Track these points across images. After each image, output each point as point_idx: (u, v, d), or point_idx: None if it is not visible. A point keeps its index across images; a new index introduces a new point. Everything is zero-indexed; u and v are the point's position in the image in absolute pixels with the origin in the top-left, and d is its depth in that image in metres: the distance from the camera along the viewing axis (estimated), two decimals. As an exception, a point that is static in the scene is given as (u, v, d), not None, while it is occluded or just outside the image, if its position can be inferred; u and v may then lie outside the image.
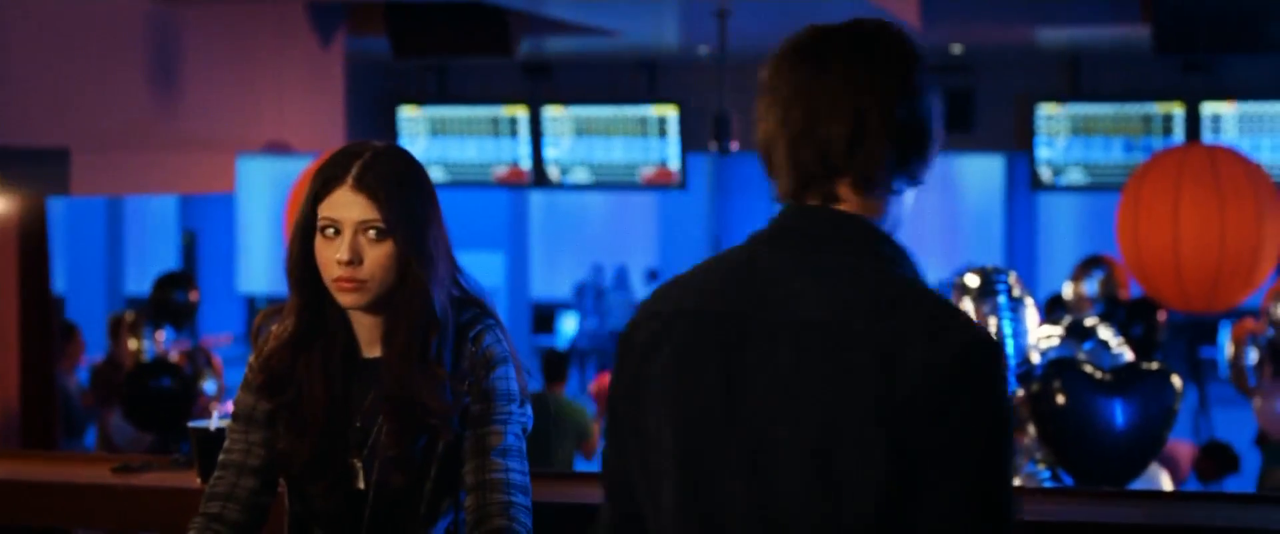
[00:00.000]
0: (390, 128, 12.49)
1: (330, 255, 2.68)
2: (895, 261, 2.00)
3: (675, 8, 10.04)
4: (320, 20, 8.85)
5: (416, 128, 12.59)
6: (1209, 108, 11.65)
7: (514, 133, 12.46)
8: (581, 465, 9.20)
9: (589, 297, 20.72)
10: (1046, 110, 12.03)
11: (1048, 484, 4.88)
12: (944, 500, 1.89)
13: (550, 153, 12.43)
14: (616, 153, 12.40)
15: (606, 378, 9.84)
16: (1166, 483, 5.55)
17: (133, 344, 8.05)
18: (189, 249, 23.21)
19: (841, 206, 2.01)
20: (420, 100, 12.71)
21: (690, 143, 12.35)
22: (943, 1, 9.80)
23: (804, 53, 2.03)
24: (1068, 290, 8.24)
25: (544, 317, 22.14)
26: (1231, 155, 7.66)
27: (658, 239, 21.88)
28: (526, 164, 12.49)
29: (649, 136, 12.35)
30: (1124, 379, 4.93)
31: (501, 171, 12.54)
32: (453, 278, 2.77)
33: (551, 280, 22.51)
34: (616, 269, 21.01)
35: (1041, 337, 5.07)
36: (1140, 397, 4.90)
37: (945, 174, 20.82)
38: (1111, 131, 11.96)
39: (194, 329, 9.79)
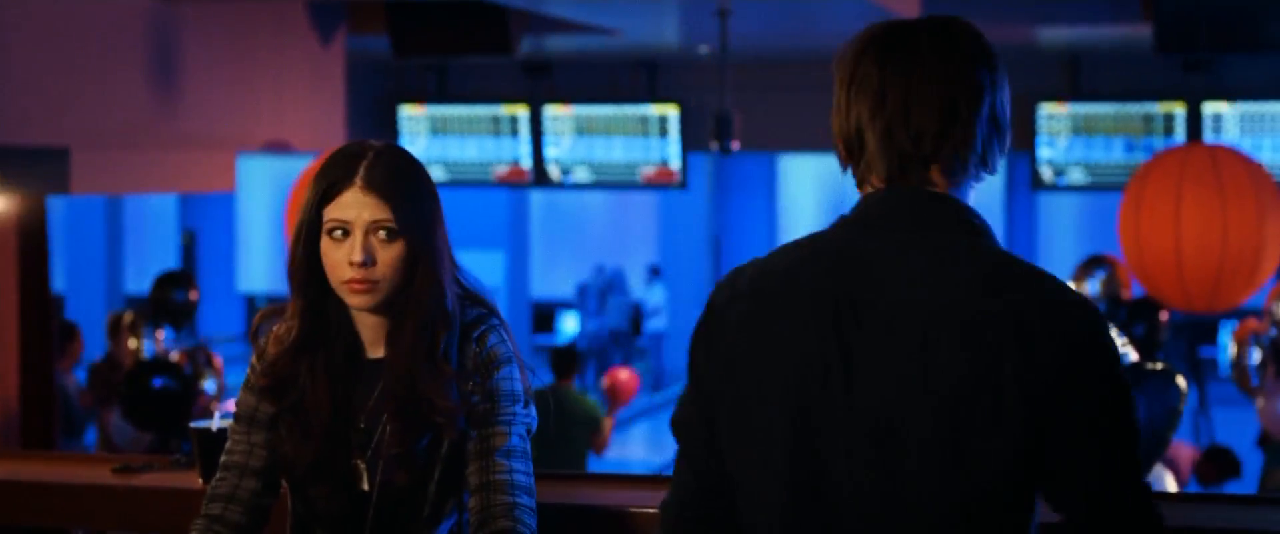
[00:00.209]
0: (390, 127, 12.47)
1: (340, 257, 2.66)
2: (990, 239, 2.10)
3: (676, 7, 10.02)
4: (320, 19, 8.83)
5: (417, 127, 12.56)
6: (1210, 107, 11.63)
7: (514, 132, 12.44)
8: (591, 465, 9.21)
9: (592, 298, 20.71)
10: (1047, 110, 12.01)
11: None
12: (1093, 465, 2.00)
13: (551, 152, 12.41)
14: (617, 152, 12.38)
15: (619, 372, 9.84)
16: (1171, 484, 5.53)
17: (132, 344, 8.03)
18: (188, 248, 23.20)
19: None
20: (420, 99, 12.69)
21: (690, 142, 12.34)
22: (943, 1, 9.79)
23: (892, 44, 2.14)
24: (1070, 290, 8.20)
25: (544, 316, 22.13)
26: (1233, 155, 7.64)
27: (658, 238, 21.86)
28: (527, 163, 12.47)
29: (649, 136, 12.33)
30: (1128, 379, 4.91)
31: (502, 171, 12.52)
32: (453, 276, 2.76)
33: (551, 280, 22.50)
34: (613, 270, 20.99)
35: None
36: (1144, 397, 4.89)
37: (945, 174, 20.77)
38: (1112, 131, 11.94)
39: (193, 328, 9.77)
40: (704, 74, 12.29)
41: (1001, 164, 2.20)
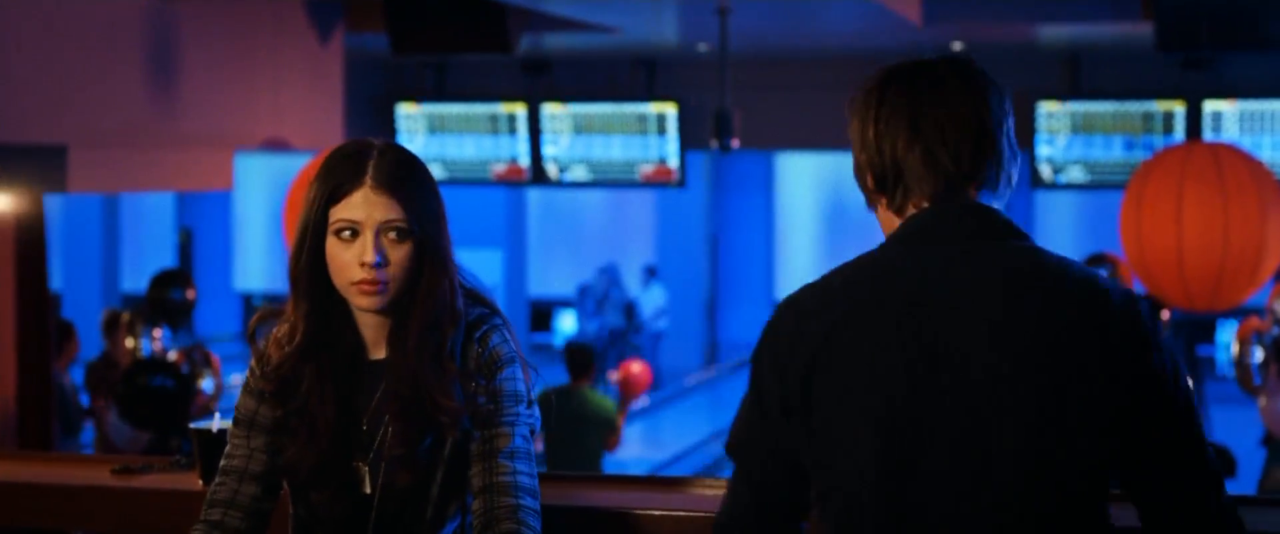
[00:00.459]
0: (388, 125, 12.44)
1: (349, 258, 2.63)
2: (1033, 242, 2.28)
3: (675, 5, 10.00)
4: (319, 17, 8.81)
5: (414, 125, 12.54)
6: (1210, 106, 11.61)
7: (512, 130, 12.41)
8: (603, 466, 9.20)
9: (591, 300, 20.69)
10: (1046, 108, 11.99)
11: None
12: (1172, 441, 2.19)
13: (549, 150, 12.38)
14: (615, 150, 12.36)
15: (631, 365, 9.83)
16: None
17: (129, 343, 8.00)
18: (185, 246, 23.17)
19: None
20: (418, 97, 12.66)
21: (689, 140, 12.32)
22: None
23: (916, 74, 2.31)
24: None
25: (541, 314, 22.12)
26: (1235, 153, 7.62)
27: (655, 236, 21.84)
28: (525, 161, 12.44)
29: (648, 134, 12.30)
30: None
31: (500, 169, 12.50)
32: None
33: (549, 278, 22.49)
34: (610, 268, 20.98)
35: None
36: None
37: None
38: (1112, 129, 11.91)
39: (190, 327, 9.75)
40: (702, 72, 12.27)
41: None
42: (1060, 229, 20.03)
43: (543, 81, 12.81)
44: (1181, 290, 7.41)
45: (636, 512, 3.05)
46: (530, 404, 2.77)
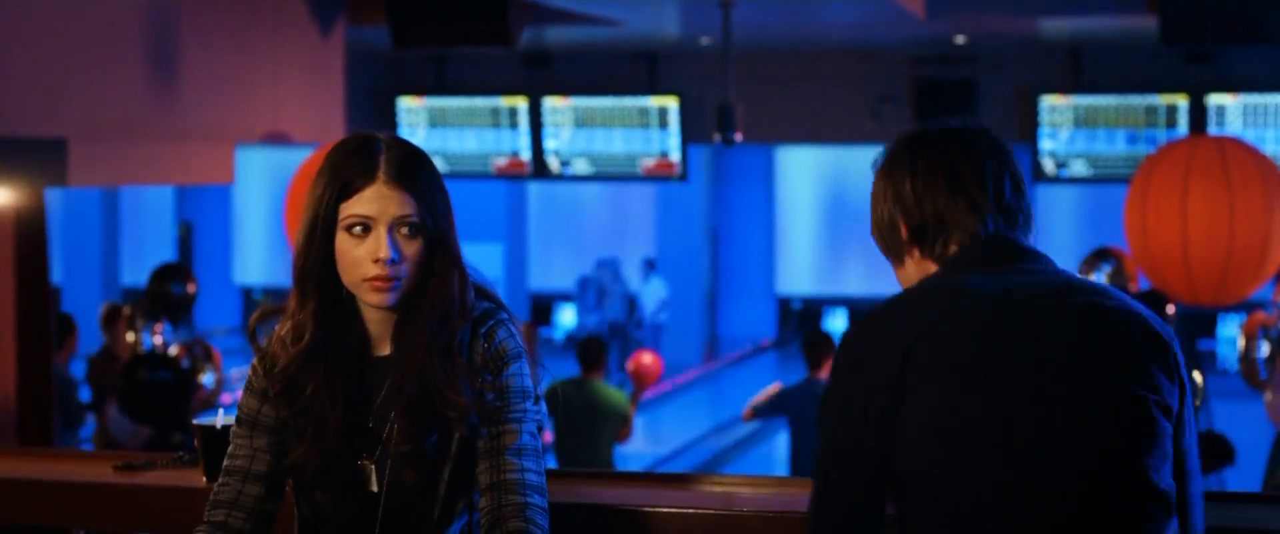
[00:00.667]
0: (389, 119, 12.41)
1: (362, 254, 2.59)
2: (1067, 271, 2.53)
3: (677, -2, 9.99)
4: (320, 10, 8.77)
5: (416, 119, 12.51)
6: (1213, 99, 11.59)
7: (514, 124, 12.40)
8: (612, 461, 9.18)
9: (592, 292, 20.66)
10: (1049, 102, 11.97)
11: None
12: (1186, 433, 2.44)
13: (550, 144, 12.36)
14: (617, 143, 12.34)
15: (643, 356, 9.84)
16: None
17: (130, 337, 7.97)
18: (185, 240, 23.15)
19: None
20: (419, 91, 12.64)
21: (690, 134, 12.29)
22: (947, -7, 9.76)
23: (944, 136, 2.54)
24: (1075, 283, 8.15)
25: (542, 307, 22.10)
26: (1240, 147, 7.59)
27: (655, 230, 21.81)
28: (526, 155, 12.43)
29: (649, 128, 12.29)
30: None
31: (501, 163, 12.48)
32: None
33: (549, 271, 22.47)
34: (610, 261, 20.95)
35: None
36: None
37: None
38: (1115, 123, 11.90)
39: (190, 322, 9.72)
40: (704, 66, 12.24)
41: None
42: (1061, 223, 20.00)
43: (544, 75, 12.78)
44: (1186, 284, 7.39)
45: (645, 509, 3.02)
46: (537, 400, 2.73)
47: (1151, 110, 11.77)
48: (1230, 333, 18.71)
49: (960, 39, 12.19)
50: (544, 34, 11.71)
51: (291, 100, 8.55)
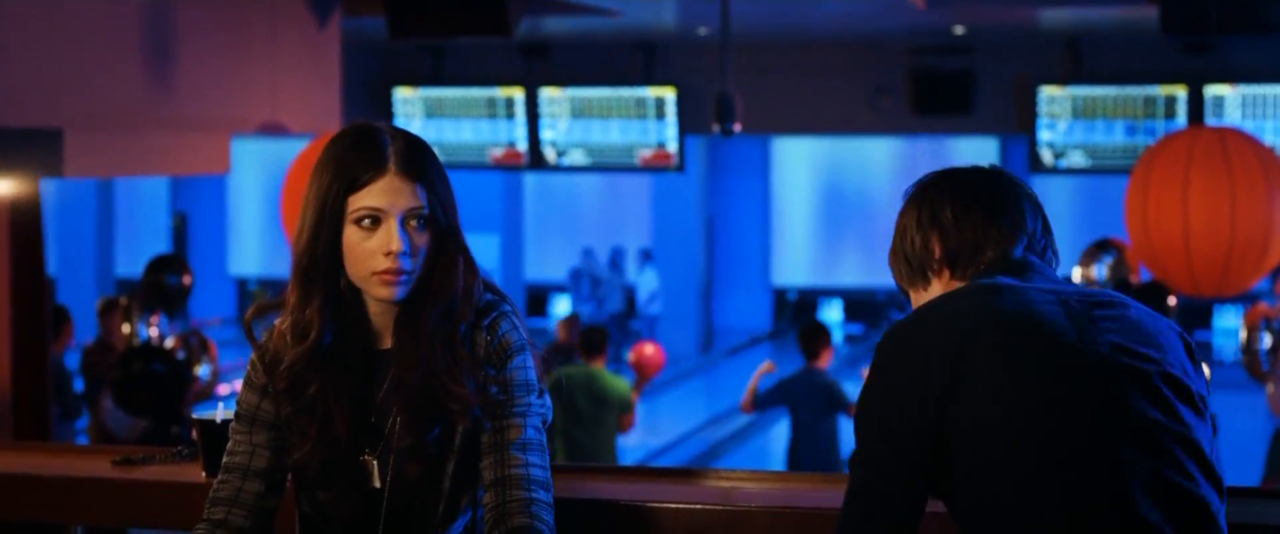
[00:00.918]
0: (385, 109, 12.38)
1: (372, 247, 2.55)
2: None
3: (675, -12, 9.96)
4: (316, 0, 8.74)
5: (412, 109, 12.48)
6: (1211, 90, 11.57)
7: (510, 114, 12.36)
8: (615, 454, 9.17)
9: (585, 282, 20.63)
10: (1048, 92, 11.95)
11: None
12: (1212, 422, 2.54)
13: (547, 134, 12.33)
14: (614, 134, 12.31)
15: (645, 347, 9.84)
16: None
17: (126, 329, 7.93)
18: (179, 231, 23.12)
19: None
20: (415, 82, 12.60)
21: (687, 124, 12.26)
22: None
23: (973, 172, 2.66)
24: (1076, 274, 8.14)
25: (538, 298, 22.08)
26: (1242, 138, 7.56)
27: (651, 220, 21.78)
28: (523, 145, 12.39)
29: (646, 118, 12.25)
30: None
31: (498, 153, 12.45)
32: None
33: (545, 262, 22.44)
34: (611, 251, 20.92)
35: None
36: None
37: (939, 157, 20.75)
38: (1113, 114, 11.87)
39: (185, 313, 9.68)
40: (701, 56, 12.21)
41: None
42: (1057, 214, 19.96)
43: (541, 65, 12.74)
44: (1188, 276, 7.36)
45: (650, 504, 2.99)
46: (541, 393, 2.70)
47: (1150, 101, 11.75)
48: (1226, 324, 18.74)
49: (959, 29, 12.16)
50: (541, 24, 11.68)
51: (288, 91, 8.51)
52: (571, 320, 11.15)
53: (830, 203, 22.80)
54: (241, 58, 8.08)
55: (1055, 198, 20.20)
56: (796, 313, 22.61)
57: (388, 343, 2.65)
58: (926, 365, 2.42)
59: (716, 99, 9.58)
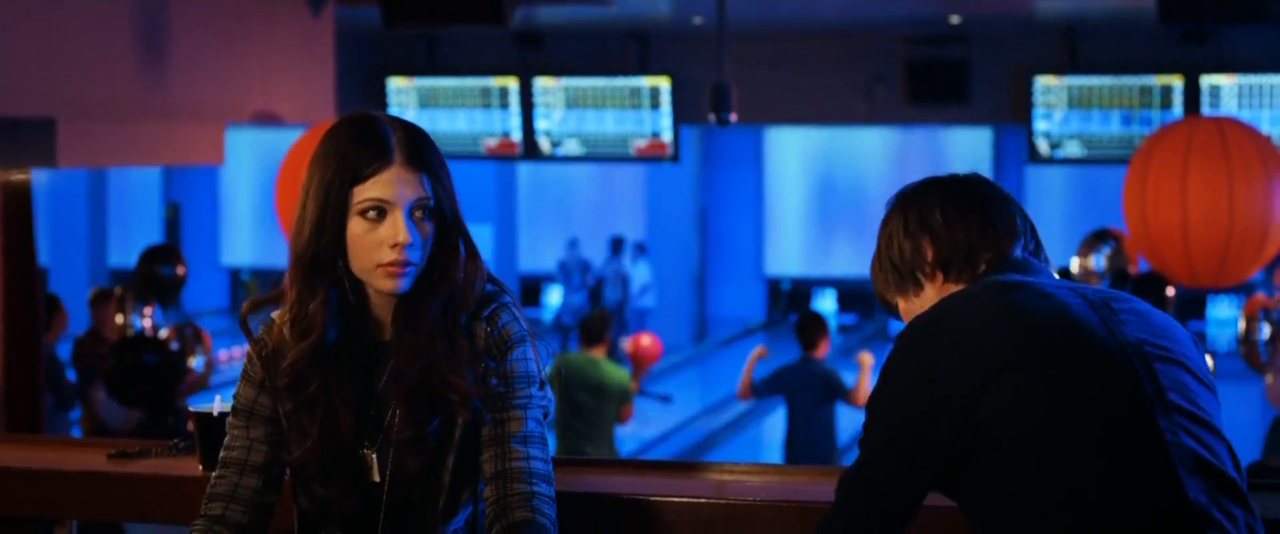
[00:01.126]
0: (379, 99, 12.34)
1: (377, 239, 2.52)
2: None
3: (671, -23, 9.92)
4: (310, -11, 8.70)
5: (405, 99, 12.44)
6: (1208, 80, 11.55)
7: (504, 104, 12.32)
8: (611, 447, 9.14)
9: (576, 273, 20.60)
10: (1043, 82, 11.92)
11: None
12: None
13: (541, 124, 12.29)
14: (608, 124, 12.28)
15: (641, 338, 9.82)
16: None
17: (119, 319, 7.89)
18: (172, 221, 23.06)
19: None
20: (409, 71, 12.56)
21: (681, 114, 12.23)
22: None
23: (963, 179, 2.64)
24: (1074, 264, 8.12)
25: (530, 288, 22.04)
26: (1241, 128, 7.54)
27: (645, 210, 21.76)
28: (517, 135, 12.35)
29: (641, 108, 12.22)
30: None
31: (492, 143, 12.41)
32: None
33: (538, 253, 22.41)
34: (609, 239, 20.88)
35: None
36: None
37: (932, 147, 20.72)
38: (1109, 104, 11.85)
39: (179, 303, 9.65)
40: (696, 46, 12.17)
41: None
42: (1051, 205, 19.94)
43: (535, 55, 12.71)
44: (1186, 266, 7.34)
45: (653, 498, 2.95)
46: (542, 385, 2.66)
47: (1146, 91, 11.73)
48: (1220, 314, 18.72)
49: (954, 19, 12.13)
50: (535, 13, 11.64)
51: (282, 80, 8.48)
52: (602, 316, 11.12)
53: (823, 193, 22.76)
54: (235, 47, 8.05)
55: (1049, 188, 20.17)
56: (790, 303, 22.59)
57: (387, 334, 2.61)
58: (955, 367, 2.40)
59: (712, 89, 9.55)
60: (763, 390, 9.29)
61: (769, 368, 9.32)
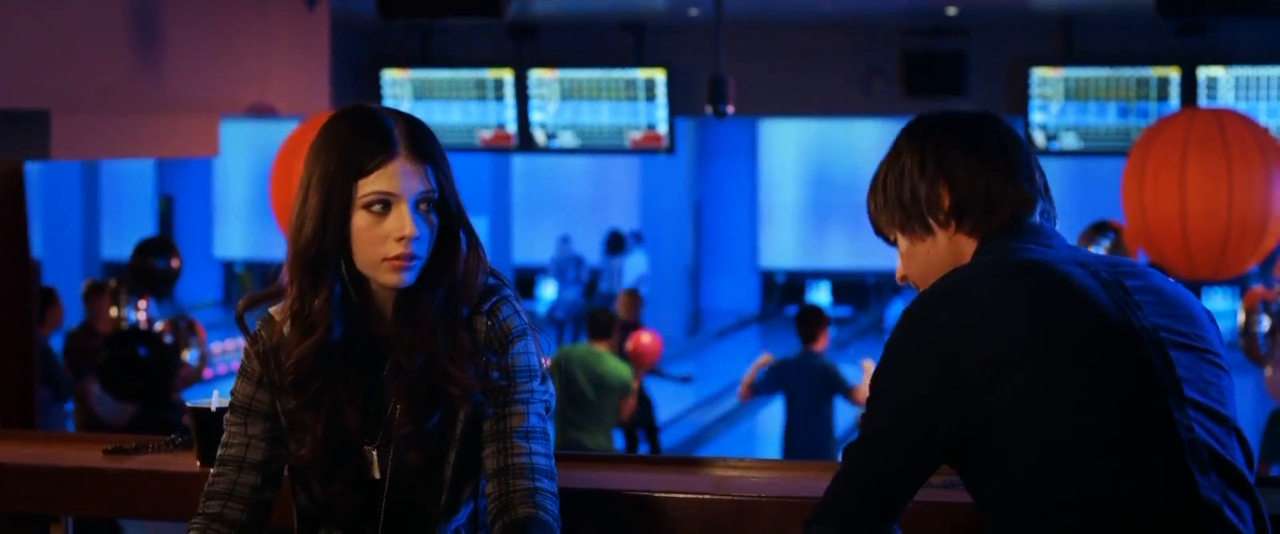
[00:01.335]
0: (373, 91, 12.30)
1: (383, 232, 2.48)
2: None
3: (666, -32, 9.90)
4: (305, -20, 8.67)
5: (400, 91, 12.39)
6: (1205, 72, 11.52)
7: (499, 96, 12.28)
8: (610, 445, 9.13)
9: (569, 269, 20.58)
10: (1040, 74, 11.89)
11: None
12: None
13: (536, 116, 12.25)
14: (604, 116, 12.23)
15: (641, 336, 9.80)
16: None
17: (114, 312, 7.86)
18: (165, 213, 23.02)
19: None
20: (403, 63, 12.52)
21: (678, 106, 12.20)
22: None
23: (977, 118, 2.52)
24: (1073, 257, 8.11)
25: (524, 281, 22.02)
26: (1240, 119, 7.52)
27: (639, 203, 21.74)
28: (512, 128, 12.31)
29: (637, 100, 12.18)
30: None
31: (487, 135, 12.37)
32: None
33: (532, 245, 22.39)
34: (607, 231, 20.86)
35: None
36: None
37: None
38: (1106, 96, 11.82)
39: (173, 296, 9.61)
40: (692, 37, 12.15)
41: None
42: (1047, 196, 19.93)
43: (530, 46, 12.67)
44: (1185, 258, 7.32)
45: (657, 494, 2.92)
46: (544, 379, 2.63)
47: (1143, 83, 11.70)
48: (1214, 306, 18.72)
49: (951, 10, 12.11)
50: (530, 5, 11.61)
51: (277, 73, 8.45)
52: (632, 295, 11.10)
53: (818, 185, 22.75)
54: (230, 39, 8.02)
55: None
56: (784, 295, 22.59)
57: (387, 329, 2.58)
58: (958, 356, 2.30)
59: (709, 80, 9.53)
60: (762, 388, 9.27)
61: (767, 367, 9.31)
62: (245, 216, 23.10)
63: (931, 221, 2.47)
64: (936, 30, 12.54)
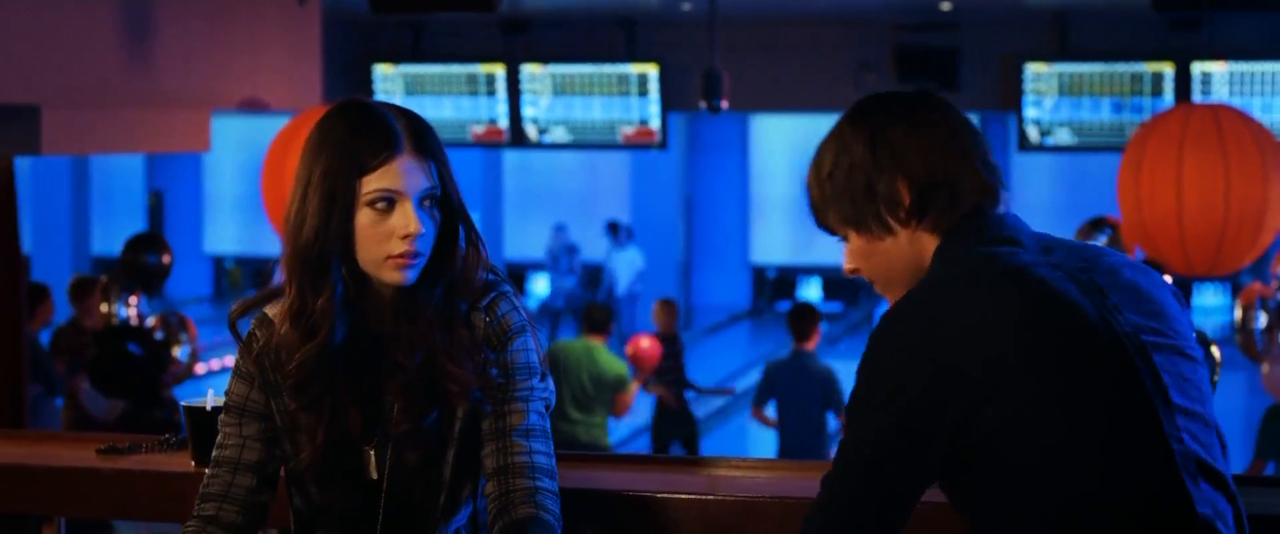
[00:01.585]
0: (365, 86, 12.27)
1: (387, 230, 2.44)
2: None
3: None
4: (296, -26, 8.63)
5: (392, 86, 12.37)
6: (1199, 67, 11.51)
7: (491, 91, 12.26)
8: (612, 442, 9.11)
9: (563, 257, 20.55)
10: (1034, 69, 11.88)
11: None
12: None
13: (528, 112, 12.23)
14: (596, 111, 12.22)
15: (640, 340, 9.78)
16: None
17: (104, 308, 7.82)
18: (155, 209, 22.98)
19: None
20: (395, 58, 12.49)
21: (669, 101, 12.18)
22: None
23: (930, 101, 2.35)
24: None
25: (515, 276, 22.00)
26: (1236, 115, 7.50)
27: (630, 198, 21.72)
28: (504, 123, 12.29)
29: (629, 95, 12.16)
30: None
31: (479, 131, 12.35)
32: None
33: (523, 241, 22.37)
34: (605, 224, 20.85)
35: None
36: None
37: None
38: (1100, 91, 11.82)
39: (162, 292, 9.57)
40: (684, 32, 12.13)
41: (978, 124, 2.47)
42: (1038, 192, 19.93)
43: (522, 41, 12.65)
44: (1181, 255, 7.30)
45: (660, 495, 2.89)
46: (544, 376, 2.60)
47: (1137, 78, 11.69)
48: (1207, 302, 18.72)
49: (945, 5, 12.09)
50: (522, 0, 11.59)
51: (268, 68, 8.41)
52: (668, 304, 11.03)
53: (810, 181, 22.73)
54: (221, 34, 7.98)
55: (1036, 175, 20.16)
56: (775, 291, 22.57)
57: (386, 326, 2.53)
58: (940, 377, 2.18)
59: (704, 75, 9.51)
60: (762, 399, 9.26)
61: (757, 370, 9.29)
62: (235, 212, 23.07)
63: (891, 220, 2.31)
64: (930, 25, 12.53)
